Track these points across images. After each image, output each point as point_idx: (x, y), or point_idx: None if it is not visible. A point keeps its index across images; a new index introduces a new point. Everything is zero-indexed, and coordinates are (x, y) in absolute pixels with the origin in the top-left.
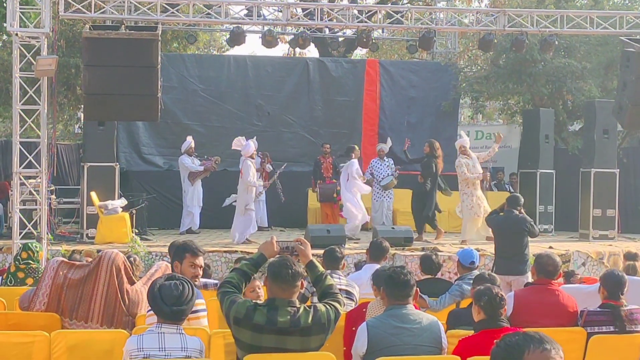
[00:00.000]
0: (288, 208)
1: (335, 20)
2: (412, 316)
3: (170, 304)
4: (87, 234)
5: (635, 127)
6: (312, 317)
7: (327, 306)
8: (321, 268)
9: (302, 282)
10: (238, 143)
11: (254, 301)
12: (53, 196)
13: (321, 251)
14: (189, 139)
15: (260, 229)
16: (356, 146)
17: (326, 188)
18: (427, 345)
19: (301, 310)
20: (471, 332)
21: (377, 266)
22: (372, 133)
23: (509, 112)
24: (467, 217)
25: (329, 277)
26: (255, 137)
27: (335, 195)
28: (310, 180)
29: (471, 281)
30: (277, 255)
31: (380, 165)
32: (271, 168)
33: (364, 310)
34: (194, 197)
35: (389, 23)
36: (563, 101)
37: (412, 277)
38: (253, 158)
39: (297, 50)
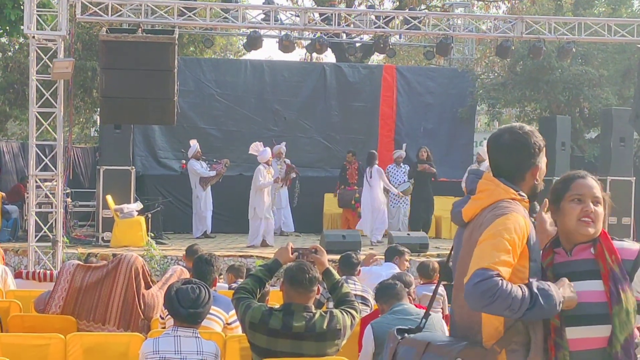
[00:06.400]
0: (304, 213)
1: (352, 25)
2: (412, 310)
3: (187, 307)
4: (102, 237)
5: None
6: (327, 323)
7: (343, 312)
8: (337, 275)
9: (318, 287)
10: (255, 148)
11: (269, 306)
12: (69, 199)
13: (336, 256)
14: (194, 143)
15: (282, 234)
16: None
17: (345, 194)
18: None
19: (317, 315)
20: None
21: (394, 265)
22: (389, 139)
23: (525, 119)
24: None
25: (345, 284)
26: (284, 143)
27: (353, 202)
28: (333, 184)
29: None
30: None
31: (397, 171)
32: (294, 176)
33: (379, 315)
34: (207, 201)
35: (407, 29)
36: (580, 109)
37: (398, 282)
38: (269, 164)
39: (314, 55)
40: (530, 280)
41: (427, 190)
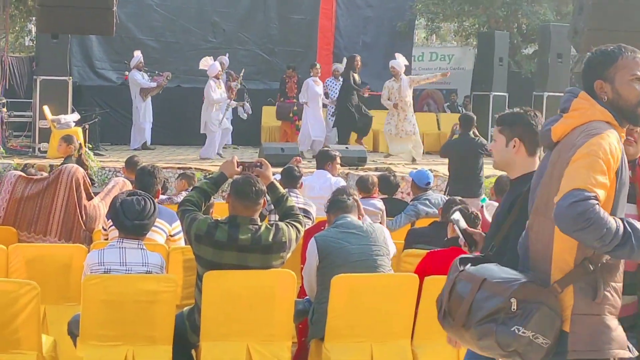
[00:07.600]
0: (242, 125)
1: None
2: (355, 222)
3: (132, 219)
4: (39, 148)
5: None
6: (273, 235)
7: (289, 225)
8: (282, 189)
9: (264, 200)
10: (205, 63)
11: (214, 218)
12: (4, 109)
13: (277, 169)
14: (137, 53)
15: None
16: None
17: (283, 107)
18: (374, 244)
19: (262, 228)
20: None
21: (325, 172)
22: (327, 52)
23: (463, 34)
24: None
25: (289, 198)
26: (227, 55)
27: (291, 114)
28: (272, 97)
29: (426, 202)
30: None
31: (335, 85)
32: (239, 86)
33: (323, 228)
34: (145, 113)
35: None
36: (518, 24)
37: (348, 197)
38: (218, 78)
39: None
40: (622, 217)
41: (349, 101)
